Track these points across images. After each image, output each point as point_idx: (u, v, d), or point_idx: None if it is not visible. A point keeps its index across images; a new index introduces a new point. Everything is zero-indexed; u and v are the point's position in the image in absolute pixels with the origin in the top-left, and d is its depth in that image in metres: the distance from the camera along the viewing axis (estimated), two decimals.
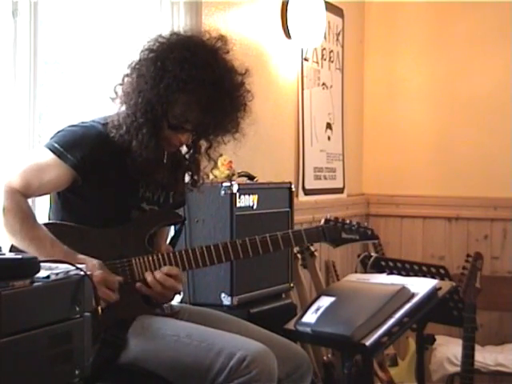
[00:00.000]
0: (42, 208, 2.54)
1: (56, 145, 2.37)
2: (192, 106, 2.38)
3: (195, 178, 2.58)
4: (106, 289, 2.28)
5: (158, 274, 2.41)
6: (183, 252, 2.46)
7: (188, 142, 2.49)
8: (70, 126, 2.44)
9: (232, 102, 2.43)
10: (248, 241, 2.50)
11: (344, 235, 2.64)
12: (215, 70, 2.38)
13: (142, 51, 2.43)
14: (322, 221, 2.64)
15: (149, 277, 2.41)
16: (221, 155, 2.56)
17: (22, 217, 2.30)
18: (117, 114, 2.42)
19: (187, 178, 2.61)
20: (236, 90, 2.44)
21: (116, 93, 2.46)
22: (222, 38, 2.47)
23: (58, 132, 2.43)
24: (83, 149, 2.37)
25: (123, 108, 2.41)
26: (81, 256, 2.29)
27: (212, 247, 2.48)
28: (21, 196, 2.32)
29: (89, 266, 2.25)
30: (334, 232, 2.63)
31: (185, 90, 2.35)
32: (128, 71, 2.44)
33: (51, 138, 2.42)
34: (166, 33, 2.50)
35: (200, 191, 2.63)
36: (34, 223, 2.34)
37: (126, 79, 2.44)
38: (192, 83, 2.35)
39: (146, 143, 2.39)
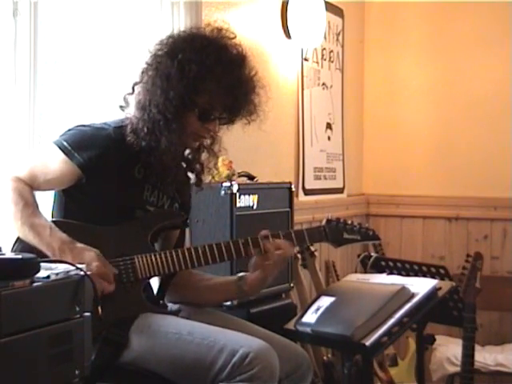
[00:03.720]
0: (45, 204, 2.54)
1: (65, 143, 2.40)
2: (219, 91, 2.42)
3: (200, 176, 2.60)
4: (101, 280, 2.28)
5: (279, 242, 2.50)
6: (185, 250, 2.47)
7: (216, 130, 2.52)
8: (80, 126, 2.46)
9: (251, 81, 2.48)
10: (250, 239, 2.51)
11: (346, 235, 2.64)
12: (236, 52, 2.46)
13: (151, 56, 2.46)
14: (324, 221, 2.64)
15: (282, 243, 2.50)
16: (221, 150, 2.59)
17: (24, 204, 2.31)
18: (133, 118, 2.43)
19: (192, 178, 2.63)
20: (252, 69, 2.50)
21: (126, 101, 2.50)
22: (222, 27, 2.51)
23: (69, 130, 2.46)
24: (91, 150, 2.39)
25: (138, 112, 2.42)
26: (79, 245, 2.30)
27: (214, 246, 2.48)
28: (25, 185, 2.34)
29: (86, 256, 2.27)
30: (335, 232, 2.63)
31: (213, 75, 2.39)
32: (138, 79, 2.47)
33: (61, 136, 2.44)
34: (165, 35, 2.52)
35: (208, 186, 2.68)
36: (35, 211, 2.34)
37: (137, 87, 2.47)
38: (219, 67, 2.39)
39: (177, 139, 2.43)
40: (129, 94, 2.50)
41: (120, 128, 2.44)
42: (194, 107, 2.43)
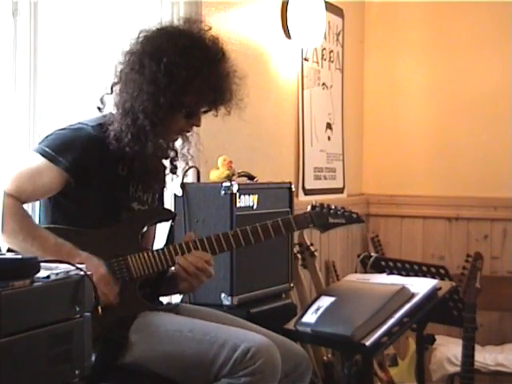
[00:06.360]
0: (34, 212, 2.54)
1: (47, 149, 2.37)
2: (206, 89, 2.43)
3: (175, 163, 2.60)
4: (110, 286, 2.30)
5: (190, 257, 2.45)
6: (177, 246, 2.48)
7: (200, 123, 2.53)
8: (58, 130, 2.45)
9: (231, 72, 2.49)
10: (239, 231, 2.54)
11: (331, 220, 2.68)
12: (216, 48, 2.46)
13: (128, 54, 2.44)
14: (309, 207, 2.67)
15: (180, 259, 2.45)
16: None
17: (21, 218, 2.31)
18: (115, 122, 2.41)
19: (168, 165, 2.63)
20: (229, 60, 2.51)
21: (103, 102, 2.48)
22: (195, 19, 2.54)
23: (47, 136, 2.44)
24: (74, 151, 2.37)
25: (120, 117, 2.41)
26: (85, 254, 2.31)
27: (205, 239, 2.50)
28: (16, 200, 2.32)
29: (94, 262, 2.29)
30: (321, 217, 2.66)
31: (201, 75, 2.39)
32: (116, 79, 2.46)
33: (40, 143, 2.43)
34: (140, 36, 2.47)
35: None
36: (34, 223, 2.35)
37: (116, 88, 2.45)
38: (205, 66, 2.40)
39: (162, 142, 2.45)
40: (107, 94, 2.49)
41: (99, 126, 2.43)
42: (182, 108, 2.44)
